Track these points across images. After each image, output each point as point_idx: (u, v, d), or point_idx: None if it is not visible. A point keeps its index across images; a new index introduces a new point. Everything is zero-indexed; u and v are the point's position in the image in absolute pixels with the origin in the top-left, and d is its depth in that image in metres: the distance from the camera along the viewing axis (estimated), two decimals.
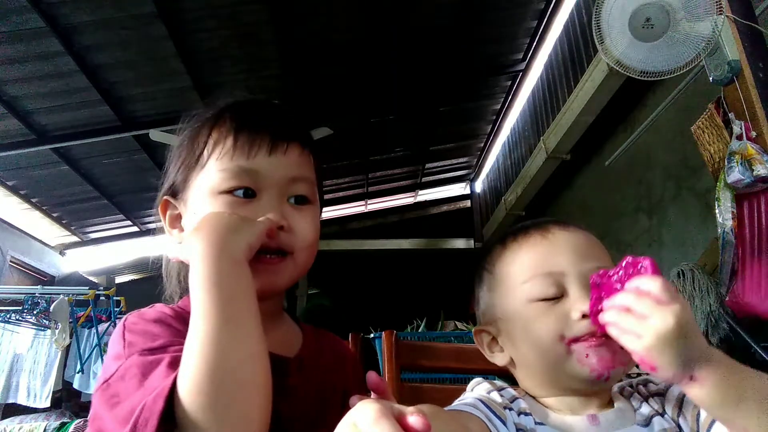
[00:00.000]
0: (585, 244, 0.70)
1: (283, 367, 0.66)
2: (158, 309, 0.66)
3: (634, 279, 0.56)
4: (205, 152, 0.70)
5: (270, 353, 0.56)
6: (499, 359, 0.73)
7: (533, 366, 0.68)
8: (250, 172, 0.68)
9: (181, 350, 0.54)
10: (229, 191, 0.67)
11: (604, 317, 0.58)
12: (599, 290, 0.61)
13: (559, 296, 0.66)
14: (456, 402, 0.66)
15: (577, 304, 0.64)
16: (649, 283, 0.54)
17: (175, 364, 0.54)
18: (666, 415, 0.65)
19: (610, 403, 0.67)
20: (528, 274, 0.68)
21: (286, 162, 0.70)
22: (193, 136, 0.73)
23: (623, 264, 0.59)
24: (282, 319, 0.78)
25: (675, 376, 0.53)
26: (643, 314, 0.53)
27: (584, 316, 0.63)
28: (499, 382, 0.70)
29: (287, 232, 0.68)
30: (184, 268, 0.73)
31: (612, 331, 0.57)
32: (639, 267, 0.57)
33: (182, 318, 0.63)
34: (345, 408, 0.72)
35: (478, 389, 0.68)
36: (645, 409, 0.65)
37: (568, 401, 0.66)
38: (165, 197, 0.74)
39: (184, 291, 0.73)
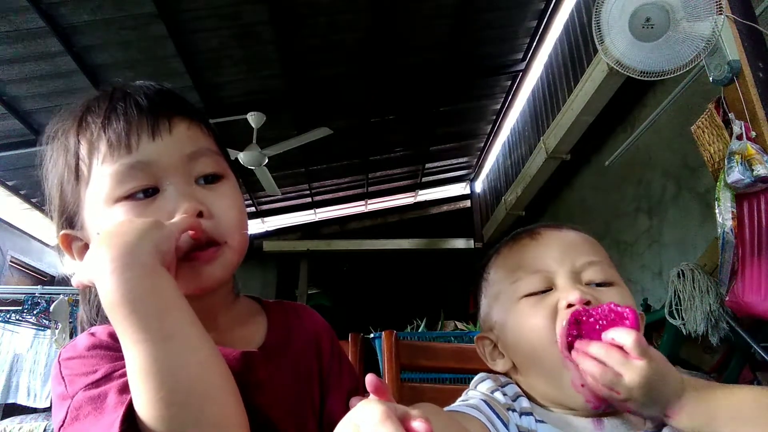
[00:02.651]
0: (574, 241, 0.71)
1: (249, 363, 0.62)
2: (92, 333, 0.59)
3: (613, 329, 0.59)
4: (81, 163, 0.61)
5: (232, 351, 0.53)
6: (500, 365, 0.72)
7: (532, 368, 0.67)
8: (140, 165, 0.59)
9: (126, 374, 0.51)
10: (127, 197, 0.59)
11: (581, 363, 0.60)
12: (578, 327, 0.61)
13: (547, 290, 0.67)
14: (459, 401, 0.65)
15: (564, 293, 0.65)
16: (624, 336, 0.57)
17: (124, 389, 0.51)
18: None
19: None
20: (518, 273, 0.70)
21: (175, 140, 0.61)
22: (60, 151, 0.63)
23: (605, 308, 0.61)
24: (238, 309, 0.71)
25: (650, 416, 0.60)
26: (614, 370, 0.57)
27: (570, 305, 0.63)
28: (503, 378, 0.70)
29: (208, 218, 0.60)
30: (92, 292, 0.66)
31: (588, 379, 0.60)
32: (623, 315, 0.60)
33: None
34: (323, 383, 0.71)
35: (481, 386, 0.68)
36: None
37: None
38: (63, 232, 0.63)
39: (99, 317, 0.65)
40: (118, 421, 0.47)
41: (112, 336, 0.56)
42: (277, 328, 0.71)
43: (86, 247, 0.62)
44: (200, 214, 0.59)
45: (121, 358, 0.52)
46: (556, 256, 0.69)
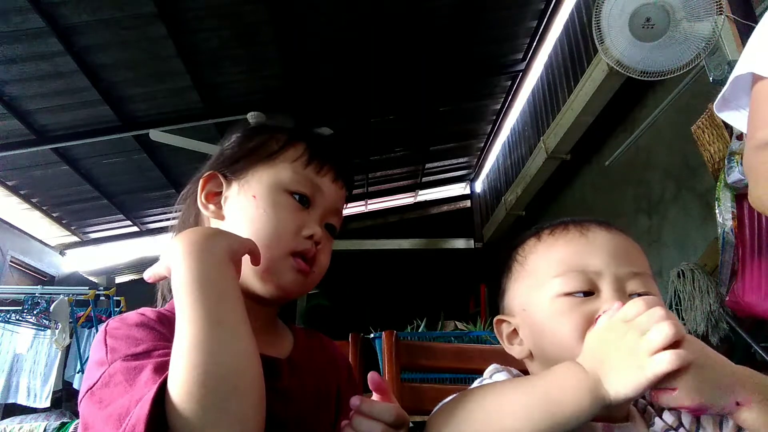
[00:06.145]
0: (623, 247, 0.69)
1: (275, 369, 0.66)
2: (141, 312, 0.64)
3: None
4: (279, 153, 0.76)
5: (261, 355, 0.55)
6: (516, 351, 0.71)
7: (551, 364, 0.64)
8: (316, 186, 0.74)
9: (165, 354, 0.53)
10: (293, 193, 0.72)
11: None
12: None
13: (589, 293, 0.64)
14: (476, 385, 0.66)
15: (608, 303, 0.61)
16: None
17: (160, 369, 0.53)
18: (682, 429, 0.63)
19: (626, 417, 0.65)
20: (561, 268, 0.66)
21: (339, 193, 0.78)
22: (268, 136, 0.78)
23: None
24: (274, 322, 0.79)
25: (724, 407, 0.51)
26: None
27: None
28: (515, 371, 0.70)
29: (319, 250, 0.73)
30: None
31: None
32: None
33: (167, 321, 0.61)
34: (339, 408, 0.72)
35: (496, 377, 0.68)
36: (659, 425, 0.64)
37: None
38: (217, 171, 0.76)
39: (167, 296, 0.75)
40: (150, 398, 0.48)
41: (162, 318, 0.63)
42: (302, 347, 0.76)
43: (217, 194, 0.75)
44: (318, 243, 0.73)
45: (164, 338, 0.56)
46: (604, 258, 0.66)
